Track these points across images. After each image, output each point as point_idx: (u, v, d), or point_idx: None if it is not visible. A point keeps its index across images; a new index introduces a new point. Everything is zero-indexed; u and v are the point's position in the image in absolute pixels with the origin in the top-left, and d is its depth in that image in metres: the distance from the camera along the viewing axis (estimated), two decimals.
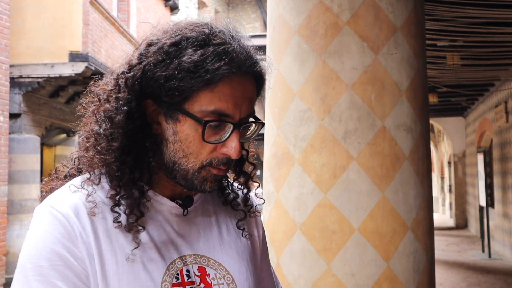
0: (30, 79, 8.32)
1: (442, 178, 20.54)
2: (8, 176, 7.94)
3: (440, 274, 8.36)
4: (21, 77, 8.30)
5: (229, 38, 0.91)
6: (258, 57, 0.95)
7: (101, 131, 0.91)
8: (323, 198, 2.09)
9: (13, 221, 8.18)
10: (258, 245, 1.14)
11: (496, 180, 10.12)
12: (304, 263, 2.11)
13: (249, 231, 1.11)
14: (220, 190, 1.10)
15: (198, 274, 0.96)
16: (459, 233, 14.32)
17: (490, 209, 10.45)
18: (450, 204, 17.70)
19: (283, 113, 2.23)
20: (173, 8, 15.33)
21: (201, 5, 24.21)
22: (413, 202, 2.15)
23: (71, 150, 10.36)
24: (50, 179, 1.04)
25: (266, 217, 2.33)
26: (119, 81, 0.92)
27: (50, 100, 9.16)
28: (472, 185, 13.54)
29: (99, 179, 0.93)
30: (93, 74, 8.69)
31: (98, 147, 0.91)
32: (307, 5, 2.19)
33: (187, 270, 0.95)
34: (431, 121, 15.88)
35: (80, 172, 0.99)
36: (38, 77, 8.31)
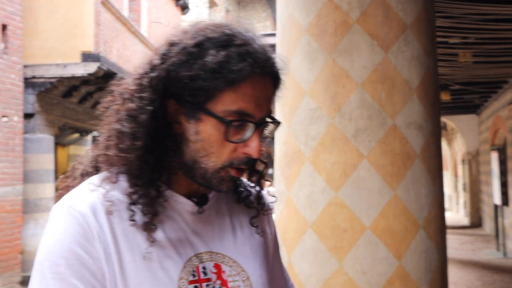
0: (43, 80, 8.41)
1: (456, 176, 20.38)
2: (23, 175, 8.03)
3: (454, 273, 8.31)
4: (34, 77, 8.39)
5: (250, 39, 0.93)
6: (275, 56, 0.96)
7: (125, 130, 0.91)
8: (334, 197, 2.09)
9: (28, 220, 8.28)
10: (270, 242, 1.15)
11: (511, 178, 10.02)
12: (316, 262, 2.12)
13: (262, 229, 1.12)
14: (233, 188, 1.11)
15: (214, 271, 0.97)
16: (473, 232, 14.21)
17: (505, 207, 10.35)
18: (464, 202, 17.57)
19: (293, 112, 2.23)
20: (184, 8, 15.38)
21: (212, 4, 24.26)
22: (425, 200, 2.14)
23: (84, 149, 10.45)
24: (65, 176, 1.06)
25: (277, 216, 2.33)
26: (143, 81, 0.93)
27: (63, 100, 9.24)
28: (486, 183, 13.42)
29: (117, 177, 0.93)
30: (105, 74, 8.75)
31: (121, 146, 0.91)
32: (316, 4, 2.19)
33: (204, 267, 0.96)
34: (444, 119, 15.77)
35: (96, 170, 1.00)
36: (51, 78, 8.40)
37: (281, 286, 1.20)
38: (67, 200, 0.91)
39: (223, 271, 0.98)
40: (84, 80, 8.81)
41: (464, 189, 17.21)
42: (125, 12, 10.99)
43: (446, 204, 23.77)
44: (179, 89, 0.90)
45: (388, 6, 2.16)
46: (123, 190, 0.93)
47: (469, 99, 11.49)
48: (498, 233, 10.56)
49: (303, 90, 2.20)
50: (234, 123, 0.90)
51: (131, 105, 0.92)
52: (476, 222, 15.40)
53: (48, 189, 8.50)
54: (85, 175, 1.01)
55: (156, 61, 0.93)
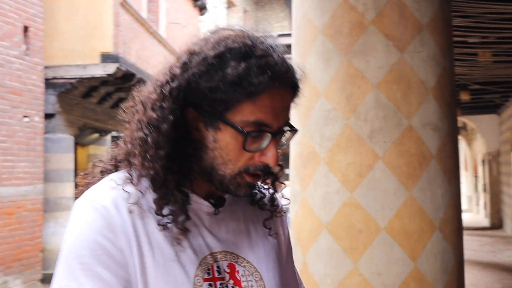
0: (63, 80, 8.53)
1: (476, 177, 20.12)
2: (43, 175, 8.15)
3: (473, 275, 8.22)
4: (55, 78, 8.51)
5: (270, 49, 0.93)
6: (294, 65, 0.97)
7: (148, 138, 0.93)
8: (349, 197, 2.09)
9: (48, 218, 8.41)
10: (283, 244, 1.17)
11: None
12: (331, 262, 2.12)
13: (275, 231, 1.14)
14: (253, 197, 1.13)
15: (228, 270, 0.99)
16: (494, 233, 14.02)
17: None
18: (485, 203, 17.34)
19: (308, 112, 2.24)
20: (202, 8, 15.44)
21: (230, 4, 24.31)
22: (441, 201, 2.13)
23: (103, 149, 10.56)
24: (86, 174, 1.08)
25: (292, 216, 2.34)
26: (164, 90, 0.94)
27: (82, 100, 9.36)
28: (507, 184, 13.23)
29: (139, 179, 0.95)
30: (124, 75, 8.84)
31: (145, 155, 0.94)
32: (331, 4, 2.20)
33: (218, 266, 0.98)
34: (464, 119, 15.59)
35: (116, 168, 1.03)
36: (71, 78, 8.52)
37: None
38: (89, 195, 0.94)
39: (237, 271, 1.00)
40: (103, 81, 8.92)
41: (484, 190, 16.99)
42: (144, 13, 11.09)
43: (466, 205, 23.47)
44: (198, 99, 0.92)
45: (403, 6, 2.15)
46: (143, 190, 0.95)
47: (489, 98, 11.35)
48: None
49: (318, 91, 2.21)
50: (252, 133, 0.91)
51: (153, 115, 0.94)
52: (496, 224, 15.19)
53: (68, 188, 8.62)
54: (104, 172, 1.04)
55: (177, 70, 0.94)
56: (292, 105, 0.99)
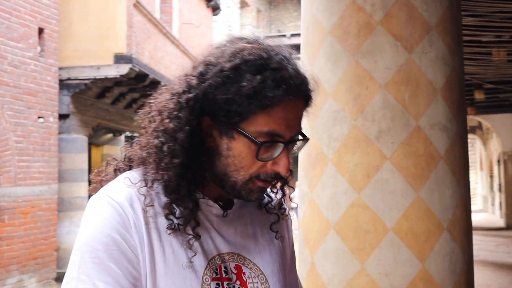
0: (77, 81, 8.62)
1: (491, 176, 19.92)
2: (58, 174, 8.25)
3: (488, 276, 8.15)
4: (69, 79, 8.61)
5: (284, 61, 0.96)
6: (307, 76, 0.99)
7: (164, 147, 0.96)
8: (357, 198, 2.09)
9: (63, 218, 8.50)
10: (288, 249, 1.19)
11: None
12: (338, 263, 2.13)
13: (281, 234, 1.16)
14: (261, 201, 1.16)
15: (235, 271, 1.02)
16: (509, 234, 13.86)
17: None
18: (500, 203, 17.16)
19: (316, 113, 2.24)
20: (215, 9, 15.49)
21: (243, 4, 24.33)
22: (449, 202, 2.12)
23: (117, 149, 10.65)
24: (99, 171, 1.12)
25: (300, 216, 2.35)
26: (180, 100, 0.97)
27: (96, 101, 9.45)
28: None
29: (153, 183, 0.98)
30: (137, 75, 8.91)
31: (160, 163, 0.96)
32: (339, 5, 2.20)
33: (225, 267, 1.01)
34: (479, 118, 15.44)
35: (129, 168, 1.06)
36: (85, 79, 8.61)
37: None
38: (105, 191, 0.97)
39: (244, 272, 1.03)
40: (117, 81, 8.99)
41: (500, 190, 16.81)
42: (157, 14, 11.16)
43: (481, 205, 23.24)
44: (214, 109, 0.95)
45: (412, 6, 2.15)
46: (156, 193, 0.98)
47: (505, 97, 11.23)
48: None
49: (326, 92, 2.21)
50: (265, 144, 0.94)
51: (170, 124, 0.97)
52: None
53: (82, 188, 8.72)
54: (117, 171, 1.07)
55: (194, 81, 0.97)
56: (305, 114, 1.01)
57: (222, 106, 0.93)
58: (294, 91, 0.94)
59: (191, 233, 0.96)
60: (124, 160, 1.09)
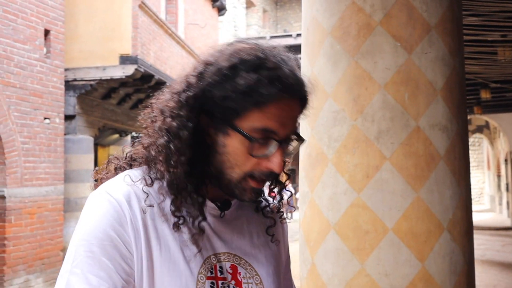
0: (83, 82, 8.67)
1: (499, 176, 19.82)
2: (64, 175, 8.30)
3: (494, 276, 8.11)
4: (75, 80, 8.66)
5: (281, 62, 0.98)
6: (304, 78, 1.01)
7: (171, 146, 0.98)
8: (356, 198, 2.10)
9: (69, 218, 8.56)
10: (283, 253, 1.21)
11: None
12: (338, 263, 2.13)
13: (277, 238, 1.17)
14: (258, 204, 1.17)
15: (230, 271, 1.04)
16: None
17: None
18: (507, 203, 17.07)
19: (316, 114, 2.25)
20: (221, 9, 15.51)
21: (249, 4, 24.35)
22: (449, 202, 2.12)
23: None
24: (101, 168, 1.15)
25: (301, 216, 2.36)
26: (180, 99, 1.00)
27: (102, 101, 9.49)
28: None
29: (153, 182, 1.01)
30: (142, 76, 8.94)
31: (171, 161, 0.98)
32: (339, 6, 2.21)
33: (220, 267, 1.03)
34: (486, 117, 15.37)
35: (130, 166, 1.09)
36: (90, 80, 8.65)
37: None
38: (104, 187, 0.99)
39: (239, 273, 1.05)
40: (123, 82, 9.04)
41: (507, 189, 16.72)
42: (162, 15, 11.19)
43: (488, 205, 23.10)
44: (211, 106, 0.98)
45: (411, 7, 2.15)
46: (156, 191, 1.00)
47: (511, 97, 11.17)
48: None
49: (326, 93, 2.22)
50: (259, 140, 0.95)
51: (173, 123, 0.99)
52: None
53: (88, 188, 8.71)
54: (118, 169, 1.10)
55: (193, 80, 0.99)
56: (301, 115, 1.03)
57: (219, 104, 0.96)
58: (289, 90, 0.96)
59: (197, 229, 0.98)
60: (126, 159, 1.11)
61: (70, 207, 8.58)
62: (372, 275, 2.06)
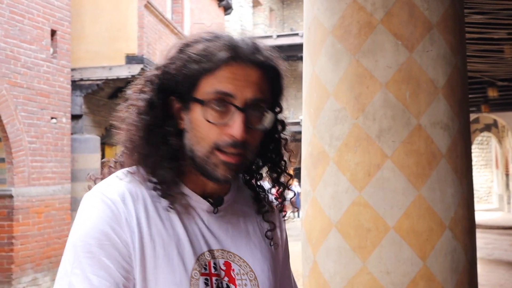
0: (90, 82, 8.72)
1: (507, 175, 19.70)
2: (71, 174, 8.35)
3: (501, 275, 8.07)
4: (81, 80, 8.71)
5: (239, 38, 1.03)
6: (272, 54, 1.03)
7: (136, 123, 1.04)
8: (358, 197, 2.10)
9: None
10: (281, 249, 1.21)
11: None
12: (340, 261, 2.14)
13: (276, 241, 1.18)
14: (256, 201, 1.18)
15: (224, 268, 1.04)
16: None
17: None
18: None
19: (318, 113, 2.26)
20: (227, 8, 15.52)
21: (256, 3, 24.34)
22: (451, 200, 2.12)
23: None
24: (93, 174, 1.17)
25: (303, 215, 2.37)
26: (145, 79, 1.06)
27: (109, 101, 9.54)
28: None
29: (139, 171, 1.04)
30: None
31: (134, 137, 1.04)
32: (340, 5, 2.21)
33: (214, 263, 1.03)
34: (494, 115, 15.29)
35: (122, 166, 1.11)
36: (97, 80, 8.70)
37: None
38: (98, 188, 1.01)
39: (233, 269, 1.05)
40: (129, 82, 9.04)
41: None
42: (168, 14, 11.22)
43: (497, 204, 22.96)
44: (172, 83, 1.01)
45: (413, 5, 2.15)
46: (143, 181, 1.03)
47: None
48: None
49: (328, 91, 2.23)
50: (213, 103, 0.98)
51: (139, 103, 1.04)
52: None
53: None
54: (112, 168, 1.13)
55: (157, 65, 1.06)
56: (272, 90, 1.04)
57: (175, 76, 1.00)
58: (240, 57, 0.99)
59: (171, 194, 1.00)
60: (118, 159, 1.13)
61: (77, 206, 8.60)
62: (373, 273, 2.06)
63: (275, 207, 1.20)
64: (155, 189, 1.01)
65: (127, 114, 1.07)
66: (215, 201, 1.07)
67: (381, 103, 2.11)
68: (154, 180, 1.01)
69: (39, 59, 7.65)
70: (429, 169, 2.09)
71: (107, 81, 8.80)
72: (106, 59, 8.57)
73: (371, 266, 2.07)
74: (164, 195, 1.00)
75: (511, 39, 6.50)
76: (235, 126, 0.97)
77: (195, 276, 0.99)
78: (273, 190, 1.20)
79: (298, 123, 17.03)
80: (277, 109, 1.09)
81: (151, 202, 1.01)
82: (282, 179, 1.17)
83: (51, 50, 7.97)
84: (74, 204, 8.49)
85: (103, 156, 9.89)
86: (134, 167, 1.05)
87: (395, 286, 2.04)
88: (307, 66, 2.39)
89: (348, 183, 2.13)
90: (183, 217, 1.03)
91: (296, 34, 21.11)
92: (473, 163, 22.25)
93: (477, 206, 21.85)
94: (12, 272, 7.03)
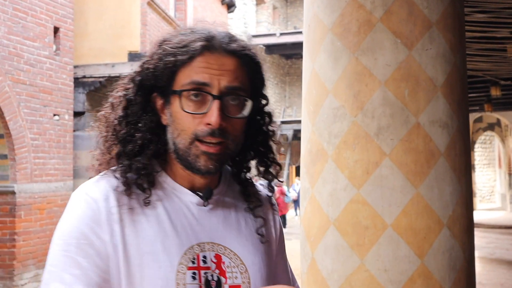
0: (92, 79, 8.75)
1: (510, 174, 19.66)
2: (73, 171, 8.37)
3: (503, 274, 8.07)
4: (84, 77, 8.73)
5: (207, 28, 1.06)
6: (248, 43, 1.06)
7: (111, 117, 1.10)
8: (356, 194, 2.11)
9: None
10: (274, 241, 1.21)
11: None
12: (338, 258, 2.14)
13: (265, 217, 1.19)
14: (244, 195, 1.18)
15: (214, 261, 1.05)
16: None
17: None
18: None
19: (317, 110, 2.26)
20: (230, 6, 15.52)
21: (259, 1, 24.32)
22: (449, 198, 2.12)
23: None
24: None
25: (302, 212, 2.37)
26: (128, 79, 1.11)
27: None
28: None
29: (121, 169, 1.07)
30: None
31: (109, 129, 1.10)
32: (340, 3, 2.21)
33: (204, 256, 1.04)
34: (497, 115, 15.26)
35: (109, 166, 1.14)
36: (100, 77, 8.73)
37: (284, 284, 1.26)
38: (83, 187, 1.05)
39: (223, 262, 1.06)
40: None
41: None
42: (171, 12, 11.23)
43: (499, 203, 22.93)
44: (152, 78, 1.03)
45: (412, 3, 2.15)
46: (129, 179, 1.05)
47: None
48: None
49: (327, 89, 2.23)
50: (188, 93, 1.01)
51: (122, 99, 1.09)
52: None
53: None
54: (101, 167, 1.15)
55: (140, 64, 1.10)
56: (250, 78, 1.06)
57: (153, 72, 1.03)
58: (215, 46, 1.01)
59: (146, 187, 1.03)
60: (107, 159, 1.15)
61: None
62: (371, 270, 2.07)
63: (264, 201, 1.21)
64: (137, 184, 1.03)
65: (107, 113, 1.12)
66: (204, 194, 1.08)
67: (380, 101, 2.11)
68: (135, 175, 1.03)
69: (42, 56, 7.67)
70: (428, 168, 2.09)
71: (110, 78, 8.82)
72: (109, 56, 8.59)
73: (369, 264, 2.07)
74: (142, 187, 1.03)
75: None
76: (211, 115, 1.00)
77: (181, 270, 1.00)
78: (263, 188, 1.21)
79: (301, 121, 17.02)
80: (264, 101, 1.10)
81: (136, 199, 1.02)
82: (272, 171, 1.18)
83: (54, 47, 7.99)
84: None
85: None
86: (119, 166, 1.07)
87: (393, 283, 2.04)
88: (306, 63, 2.40)
89: (347, 180, 2.13)
90: (170, 212, 1.04)
91: (300, 32, 21.08)
92: (476, 162, 22.19)
93: (479, 205, 21.79)
94: (14, 268, 7.06)
